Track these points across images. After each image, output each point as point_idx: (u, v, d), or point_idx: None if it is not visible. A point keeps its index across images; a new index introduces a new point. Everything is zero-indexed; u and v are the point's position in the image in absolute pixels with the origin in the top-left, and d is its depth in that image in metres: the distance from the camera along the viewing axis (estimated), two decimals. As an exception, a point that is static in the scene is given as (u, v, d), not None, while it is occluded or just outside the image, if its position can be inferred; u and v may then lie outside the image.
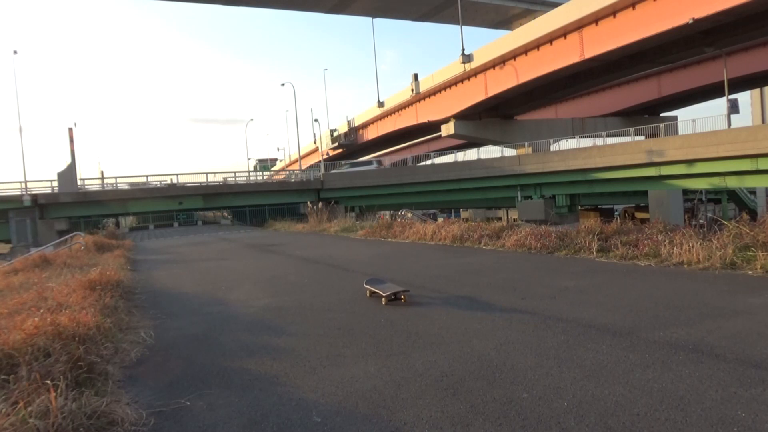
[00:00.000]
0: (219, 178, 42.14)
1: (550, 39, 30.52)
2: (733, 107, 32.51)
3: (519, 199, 33.11)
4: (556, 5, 33.91)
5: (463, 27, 39.32)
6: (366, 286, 5.77)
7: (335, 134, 57.48)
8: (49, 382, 2.66)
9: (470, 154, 37.89)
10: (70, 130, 36.84)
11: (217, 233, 26.93)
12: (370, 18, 52.58)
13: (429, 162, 47.28)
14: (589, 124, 40.09)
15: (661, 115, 43.47)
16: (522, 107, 40.60)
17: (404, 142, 59.23)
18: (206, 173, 41.28)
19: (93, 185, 38.44)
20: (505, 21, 54.36)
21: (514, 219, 36.11)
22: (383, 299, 5.25)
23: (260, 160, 72.52)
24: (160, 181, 39.43)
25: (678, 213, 29.57)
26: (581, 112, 44.57)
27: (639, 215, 26.50)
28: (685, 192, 31.09)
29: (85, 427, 2.45)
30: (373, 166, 42.28)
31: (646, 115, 43.07)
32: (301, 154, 53.56)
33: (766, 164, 21.16)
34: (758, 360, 2.93)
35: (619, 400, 2.53)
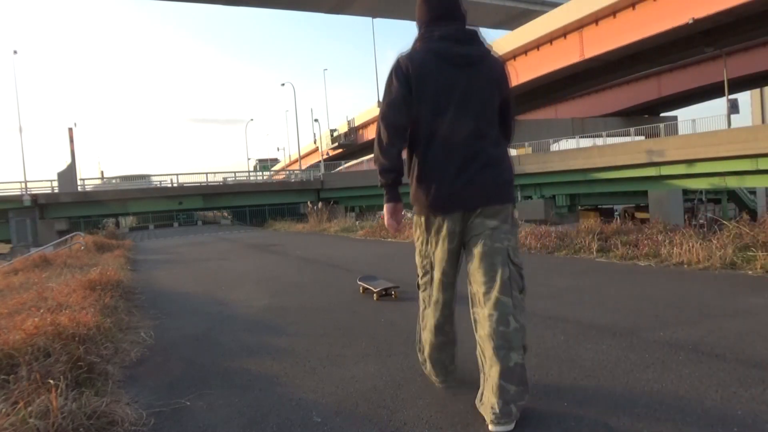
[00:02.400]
0: (219, 178, 42.13)
1: (550, 39, 30.55)
2: (733, 107, 32.51)
3: (519, 199, 33.13)
4: (556, 5, 33.93)
5: (463, 27, 39.31)
6: (359, 282, 5.92)
7: (335, 134, 57.50)
8: (49, 381, 2.66)
9: (470, 154, 37.87)
10: (70, 130, 36.90)
11: (217, 233, 26.94)
12: (370, 18, 52.56)
13: (429, 162, 47.22)
14: (589, 124, 40.10)
15: (661, 115, 43.47)
16: (522, 107, 40.63)
17: (404, 142, 59.16)
18: (206, 173, 41.29)
19: (93, 185, 38.42)
20: (505, 21, 54.34)
21: (514, 219, 36.07)
22: (375, 295, 5.42)
23: (260, 160, 72.50)
24: (160, 181, 39.42)
25: (678, 213, 29.58)
26: (581, 112, 44.58)
27: (639, 215, 26.51)
28: (685, 192, 31.07)
29: (85, 427, 2.44)
30: None
31: (646, 115, 43.07)
32: (301, 154, 53.59)
33: (766, 164, 21.17)
34: (758, 360, 2.93)
35: (619, 401, 2.53)
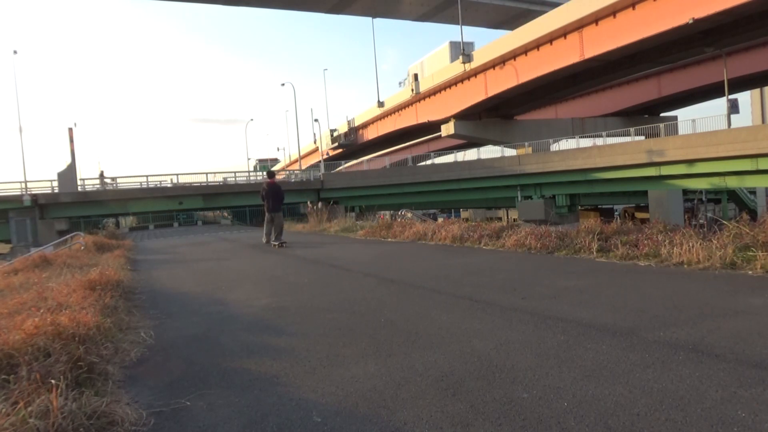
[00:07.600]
0: (219, 178, 42.07)
1: (550, 39, 30.50)
2: (733, 107, 32.50)
3: (519, 199, 33.05)
4: (556, 5, 33.88)
5: (463, 27, 39.31)
6: (273, 243, 12.89)
7: (335, 134, 57.40)
8: (49, 381, 2.66)
9: (470, 154, 37.87)
10: (70, 130, 36.83)
11: (217, 233, 26.90)
12: (370, 18, 52.52)
13: (429, 162, 47.27)
14: (589, 124, 40.02)
15: (661, 115, 43.40)
16: (522, 107, 40.57)
17: (404, 142, 59.17)
18: (206, 173, 41.22)
19: (93, 185, 38.36)
20: (505, 21, 54.32)
21: (514, 219, 36.11)
22: (275, 245, 12.75)
23: (260, 160, 72.40)
24: (160, 181, 39.36)
25: (678, 213, 29.57)
26: (581, 112, 44.51)
27: (639, 215, 26.51)
28: (685, 192, 31.03)
29: (85, 427, 2.45)
30: None
31: (646, 115, 42.99)
32: (301, 154, 53.55)
33: (766, 164, 21.15)
34: (758, 360, 2.93)
35: (619, 400, 2.53)
